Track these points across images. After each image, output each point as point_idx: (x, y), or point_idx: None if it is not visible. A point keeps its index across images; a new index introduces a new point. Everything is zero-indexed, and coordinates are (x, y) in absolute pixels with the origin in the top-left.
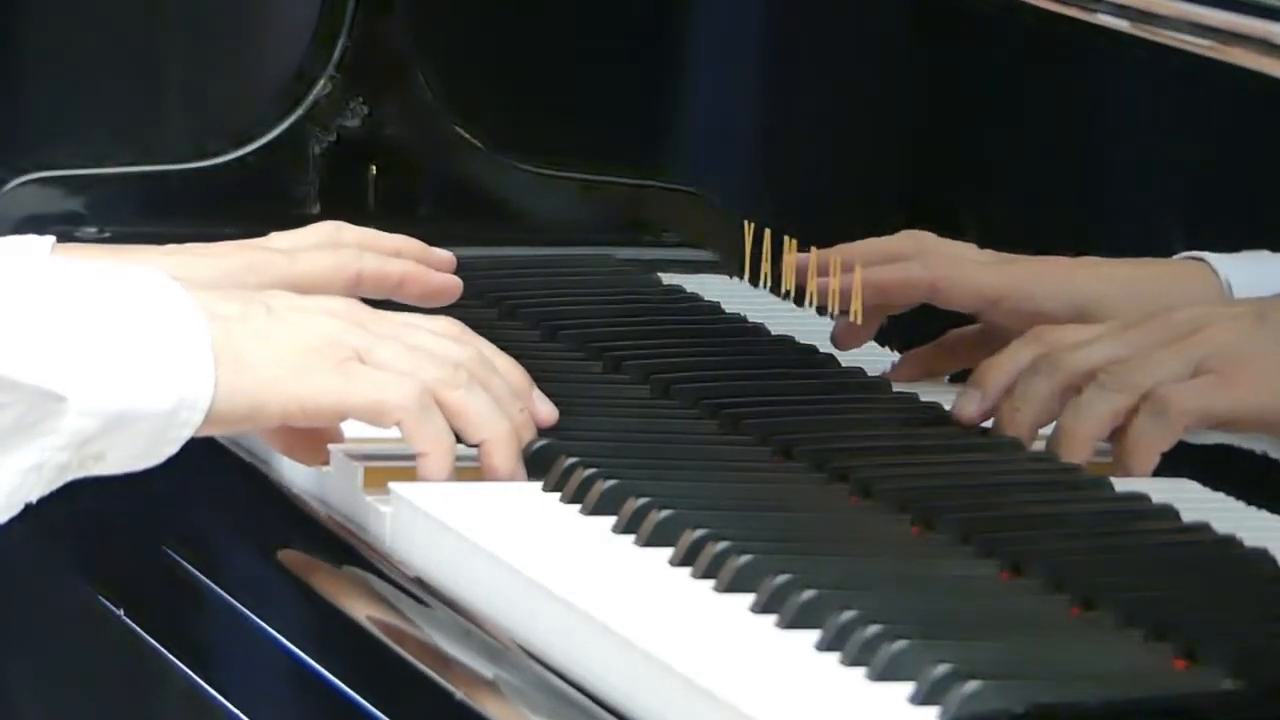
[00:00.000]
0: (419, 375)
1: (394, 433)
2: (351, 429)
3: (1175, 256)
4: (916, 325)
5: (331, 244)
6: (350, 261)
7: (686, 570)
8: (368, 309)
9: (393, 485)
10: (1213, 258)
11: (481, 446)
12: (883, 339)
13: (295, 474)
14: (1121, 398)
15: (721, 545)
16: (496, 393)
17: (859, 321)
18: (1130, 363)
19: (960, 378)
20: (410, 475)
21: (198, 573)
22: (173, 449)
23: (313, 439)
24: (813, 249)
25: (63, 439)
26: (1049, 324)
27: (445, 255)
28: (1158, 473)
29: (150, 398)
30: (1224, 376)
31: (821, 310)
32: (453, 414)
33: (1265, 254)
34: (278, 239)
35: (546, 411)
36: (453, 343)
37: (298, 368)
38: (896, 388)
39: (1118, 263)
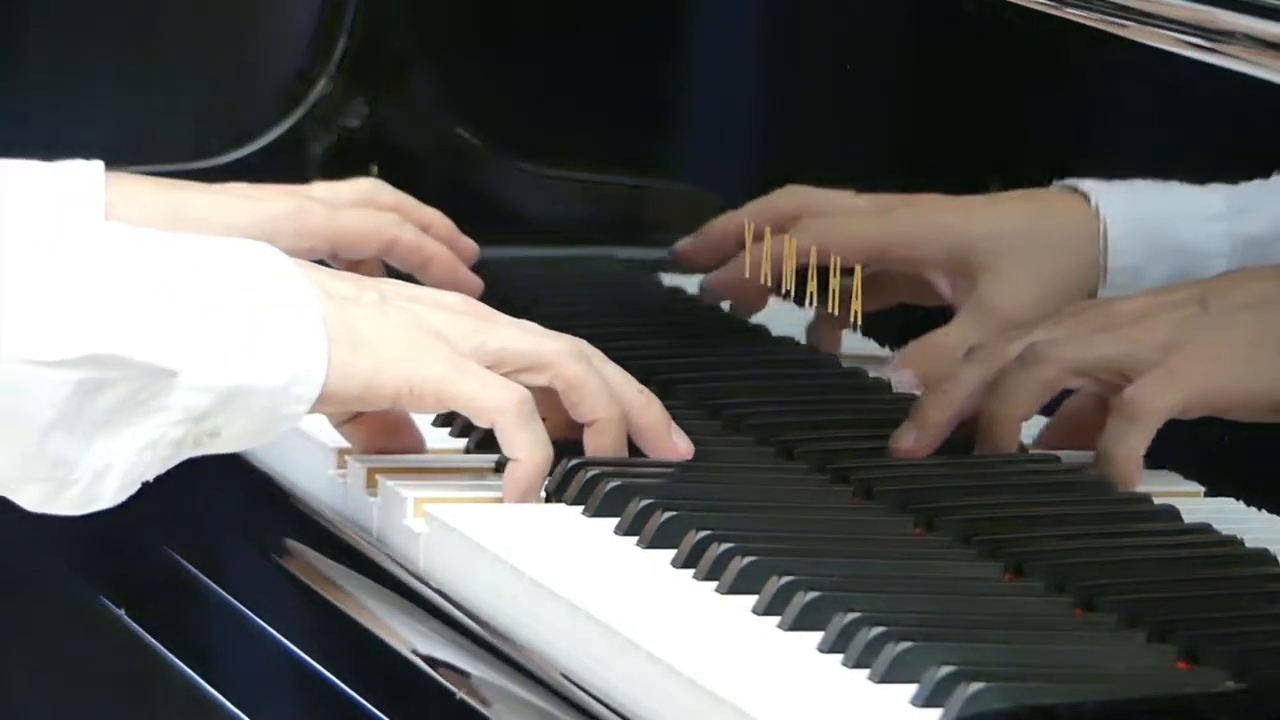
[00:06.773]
0: (540, 350)
1: None
2: None
3: (1053, 186)
4: (913, 325)
5: (369, 201)
6: (390, 226)
7: (689, 572)
8: (480, 305)
9: (389, 483)
10: (1086, 185)
11: (593, 424)
12: (881, 339)
13: (297, 474)
14: (1045, 369)
15: (724, 547)
16: (613, 377)
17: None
18: (1059, 340)
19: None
20: (413, 475)
21: (198, 572)
22: (288, 425)
23: (393, 441)
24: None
25: (175, 415)
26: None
27: (470, 244)
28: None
29: (263, 373)
30: (1175, 368)
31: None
32: (571, 386)
33: (1138, 182)
34: (318, 189)
35: (685, 447)
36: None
37: (411, 350)
38: (898, 389)
39: (994, 198)
